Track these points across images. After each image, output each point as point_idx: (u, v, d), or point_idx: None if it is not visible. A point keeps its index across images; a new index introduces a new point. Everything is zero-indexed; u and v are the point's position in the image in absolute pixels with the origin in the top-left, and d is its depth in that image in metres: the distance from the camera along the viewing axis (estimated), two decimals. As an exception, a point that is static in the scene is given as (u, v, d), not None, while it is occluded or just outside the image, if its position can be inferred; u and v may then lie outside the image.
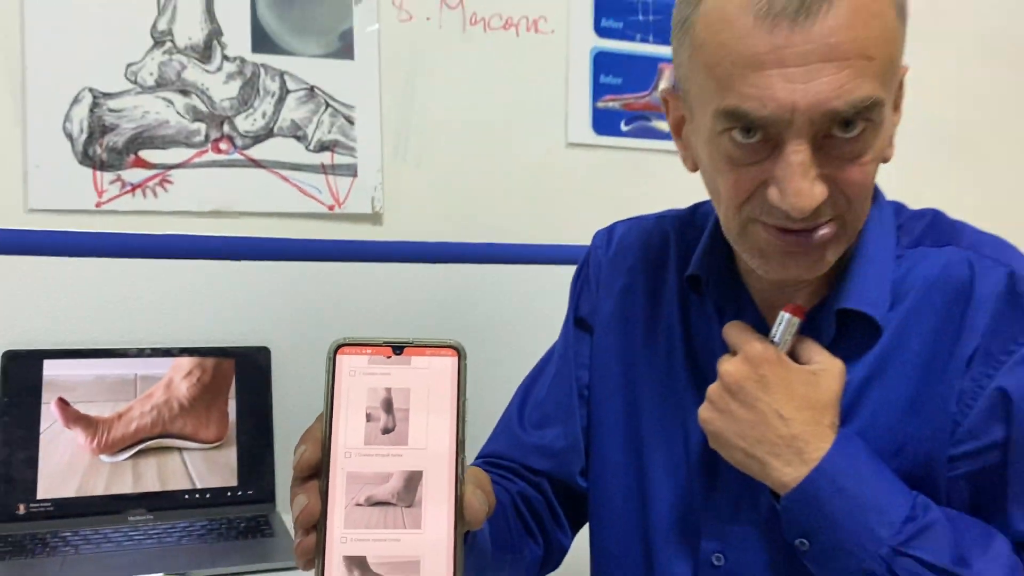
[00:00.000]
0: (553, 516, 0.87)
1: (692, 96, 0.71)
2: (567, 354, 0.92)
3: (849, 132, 0.65)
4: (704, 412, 0.72)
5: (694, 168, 0.77)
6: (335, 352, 0.53)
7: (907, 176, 1.58)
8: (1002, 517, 0.71)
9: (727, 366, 0.71)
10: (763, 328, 0.76)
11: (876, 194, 0.78)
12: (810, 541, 0.69)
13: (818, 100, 0.63)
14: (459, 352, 0.54)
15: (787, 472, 0.68)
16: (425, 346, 0.54)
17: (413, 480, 0.52)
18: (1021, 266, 0.72)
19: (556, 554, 0.88)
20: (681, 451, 0.81)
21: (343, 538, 0.51)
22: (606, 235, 0.93)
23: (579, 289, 0.93)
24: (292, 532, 0.93)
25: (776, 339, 0.71)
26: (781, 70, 0.63)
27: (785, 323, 0.71)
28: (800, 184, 0.64)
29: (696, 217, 0.84)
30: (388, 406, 0.53)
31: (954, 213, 0.81)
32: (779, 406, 0.68)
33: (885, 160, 0.73)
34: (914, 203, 0.87)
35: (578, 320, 0.92)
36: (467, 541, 0.63)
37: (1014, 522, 0.70)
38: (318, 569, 0.51)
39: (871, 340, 0.73)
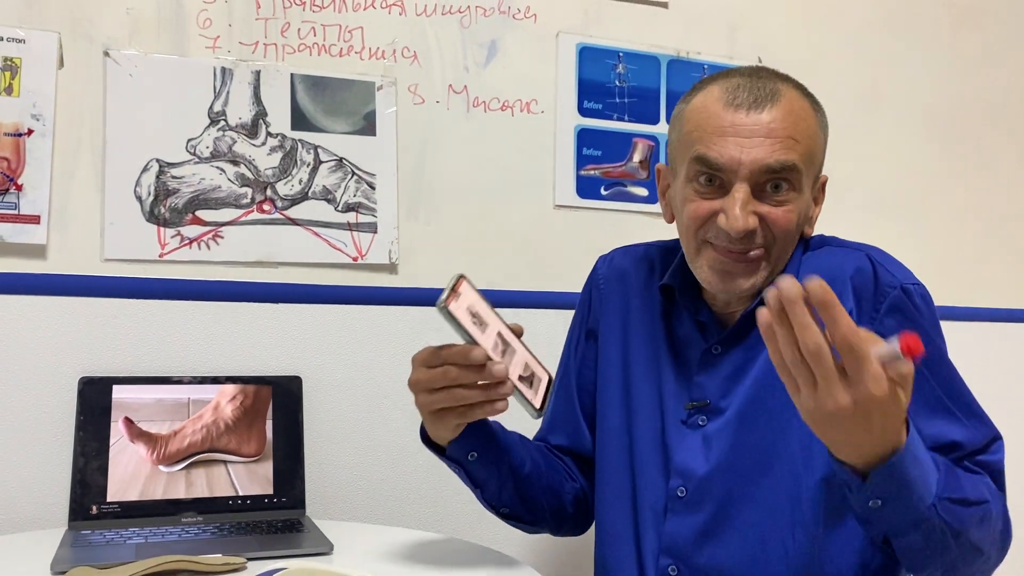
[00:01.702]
0: (582, 473, 1.14)
1: (676, 161, 0.99)
2: (569, 363, 1.16)
3: (776, 192, 0.92)
4: (813, 417, 0.73)
5: (671, 219, 1.02)
6: (445, 307, 0.86)
7: (852, 234, 1.77)
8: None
9: (881, 387, 0.68)
10: (713, 322, 1.00)
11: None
12: (884, 501, 0.77)
13: (755, 159, 0.90)
14: (463, 276, 0.90)
15: (877, 456, 0.74)
16: (455, 285, 0.88)
17: (501, 335, 0.91)
18: (874, 252, 0.97)
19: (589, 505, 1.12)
20: (658, 416, 1.03)
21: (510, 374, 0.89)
22: (608, 260, 1.16)
23: (587, 306, 1.16)
24: (324, 532, 1.13)
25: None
26: (736, 139, 0.92)
27: (905, 364, 0.69)
28: (738, 212, 0.90)
29: (675, 247, 1.07)
30: (478, 318, 0.90)
31: None
32: (888, 423, 0.73)
33: (804, 236, 0.99)
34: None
35: (589, 332, 1.15)
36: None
37: (922, 430, 0.86)
38: (515, 388, 0.89)
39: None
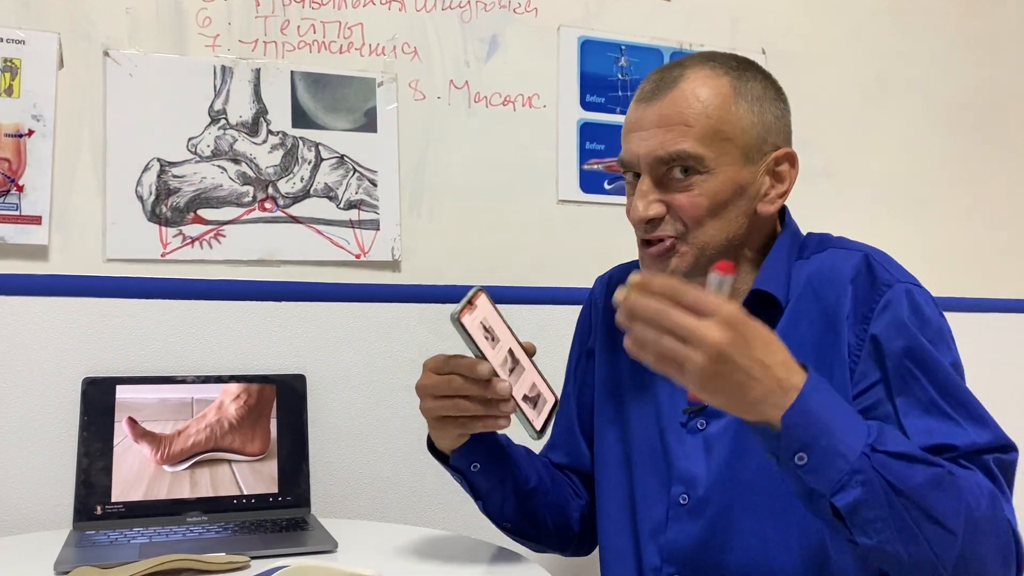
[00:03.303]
0: (587, 490, 1.14)
1: None
2: (569, 383, 1.17)
3: (681, 175, 0.93)
4: (695, 388, 0.74)
5: None
6: (458, 318, 0.88)
7: (858, 225, 1.76)
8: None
9: (714, 334, 0.71)
10: None
11: (787, 225, 1.01)
12: (808, 453, 0.75)
13: (649, 150, 0.93)
14: (482, 289, 0.93)
15: (780, 403, 0.74)
16: (472, 297, 0.90)
17: (512, 353, 0.93)
18: (874, 252, 0.95)
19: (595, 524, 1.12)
20: (655, 426, 1.02)
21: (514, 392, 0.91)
22: (603, 279, 1.17)
23: (584, 329, 1.17)
24: (329, 530, 1.13)
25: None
26: (637, 133, 0.95)
27: (728, 282, 0.77)
28: (638, 203, 0.93)
29: None
30: (491, 333, 0.91)
31: (897, 258, 0.98)
32: (760, 357, 0.74)
33: (758, 213, 0.96)
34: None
35: (588, 352, 1.15)
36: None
37: (909, 431, 0.86)
38: (517, 407, 0.90)
39: (777, 316, 0.95)
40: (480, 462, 1.03)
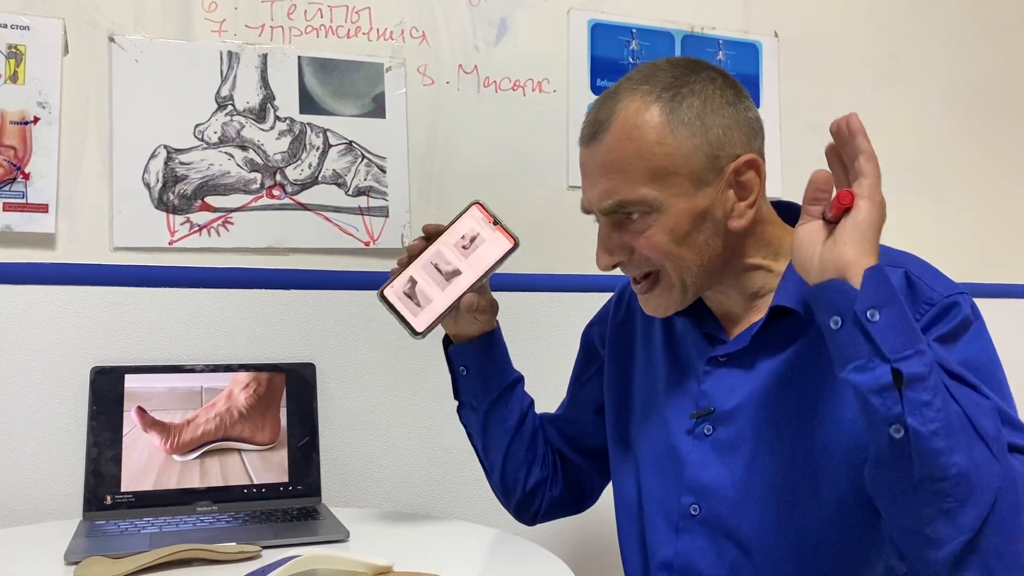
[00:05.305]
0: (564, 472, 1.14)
1: None
2: (573, 376, 1.17)
3: (633, 219, 0.89)
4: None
5: None
6: (471, 205, 1.03)
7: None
8: None
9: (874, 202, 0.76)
10: (719, 329, 0.96)
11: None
12: (880, 312, 0.74)
13: (594, 200, 0.91)
14: (516, 243, 1.01)
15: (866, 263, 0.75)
16: (504, 227, 1.02)
17: (454, 273, 1.01)
18: (914, 266, 0.88)
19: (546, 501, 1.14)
20: (659, 432, 0.99)
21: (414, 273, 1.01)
22: (617, 296, 1.13)
23: (594, 343, 1.15)
24: (340, 520, 1.12)
25: None
26: (585, 178, 0.93)
27: None
28: (599, 251, 0.92)
29: None
30: (470, 241, 1.01)
31: (912, 244, 0.95)
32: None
33: (732, 229, 0.90)
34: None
35: (597, 371, 1.14)
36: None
37: None
38: (394, 278, 1.00)
39: (798, 332, 0.89)
40: (469, 367, 1.08)
